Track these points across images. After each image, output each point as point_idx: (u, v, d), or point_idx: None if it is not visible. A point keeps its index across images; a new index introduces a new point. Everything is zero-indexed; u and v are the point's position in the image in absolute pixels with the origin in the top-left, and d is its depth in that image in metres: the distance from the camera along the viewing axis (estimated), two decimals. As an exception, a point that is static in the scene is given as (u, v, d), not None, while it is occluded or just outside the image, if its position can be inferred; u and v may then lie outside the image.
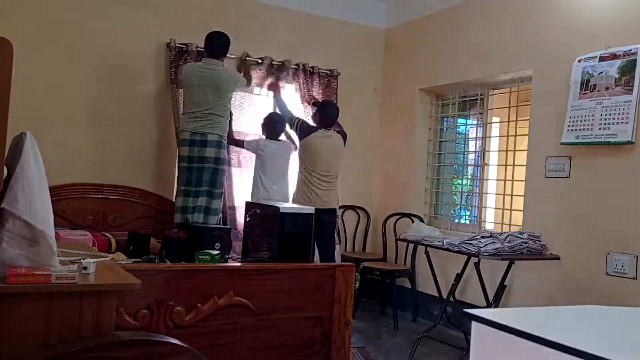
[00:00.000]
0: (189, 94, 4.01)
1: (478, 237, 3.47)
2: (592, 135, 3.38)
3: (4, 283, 1.49)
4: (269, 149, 4.31)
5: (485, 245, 3.34)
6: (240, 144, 4.38)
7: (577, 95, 3.51)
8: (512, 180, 4.24)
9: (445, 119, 5.09)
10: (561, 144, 3.58)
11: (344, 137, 4.48)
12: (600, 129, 3.34)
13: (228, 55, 4.18)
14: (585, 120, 3.43)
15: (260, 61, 4.69)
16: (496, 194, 4.53)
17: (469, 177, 4.90)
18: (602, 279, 3.39)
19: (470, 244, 3.41)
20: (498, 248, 3.31)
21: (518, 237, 3.41)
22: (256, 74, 4.67)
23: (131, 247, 3.37)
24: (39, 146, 1.68)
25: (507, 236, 3.41)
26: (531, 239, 3.43)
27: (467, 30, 4.55)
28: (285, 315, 2.65)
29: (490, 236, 3.43)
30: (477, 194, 4.66)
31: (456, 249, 3.48)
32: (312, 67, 4.91)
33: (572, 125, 3.50)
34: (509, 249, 3.34)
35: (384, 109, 5.43)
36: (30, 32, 3.95)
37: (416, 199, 5.03)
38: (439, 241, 3.69)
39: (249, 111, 4.70)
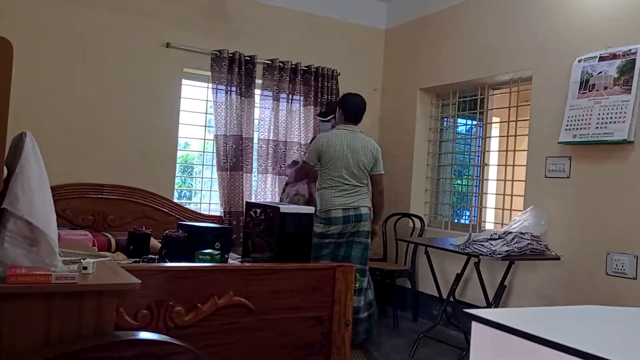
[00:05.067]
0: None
1: (487, 237, 3.47)
2: (589, 134, 3.38)
3: (4, 283, 1.49)
4: None
5: (496, 246, 3.35)
6: None
7: (576, 94, 3.51)
8: (512, 180, 4.24)
9: (445, 119, 5.09)
10: (559, 143, 3.58)
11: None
12: (597, 127, 3.33)
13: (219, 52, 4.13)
14: (582, 120, 3.42)
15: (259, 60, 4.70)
16: (496, 194, 4.53)
17: (469, 177, 4.90)
18: (602, 279, 3.39)
19: (482, 245, 3.41)
20: (509, 250, 3.33)
21: (524, 239, 3.42)
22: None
23: (131, 247, 3.37)
24: (39, 146, 1.68)
25: (513, 237, 3.42)
26: (534, 239, 3.45)
27: (467, 30, 4.55)
28: (285, 315, 2.65)
29: (499, 238, 3.44)
30: (477, 194, 4.66)
31: (467, 251, 3.47)
32: (312, 67, 4.92)
33: (570, 125, 3.50)
34: (518, 250, 3.35)
35: (384, 109, 5.43)
36: (30, 32, 3.95)
37: (416, 199, 5.03)
38: (451, 244, 3.70)
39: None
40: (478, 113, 4.66)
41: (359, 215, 3.72)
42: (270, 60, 4.75)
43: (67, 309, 1.57)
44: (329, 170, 3.75)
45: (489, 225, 4.59)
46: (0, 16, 3.84)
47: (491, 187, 4.62)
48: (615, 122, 3.25)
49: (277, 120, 4.79)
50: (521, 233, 3.50)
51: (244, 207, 4.32)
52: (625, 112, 3.21)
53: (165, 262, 2.92)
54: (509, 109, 4.31)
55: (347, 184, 3.72)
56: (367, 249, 3.80)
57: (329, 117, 4.25)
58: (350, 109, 3.89)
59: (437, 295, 4.21)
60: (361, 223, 3.73)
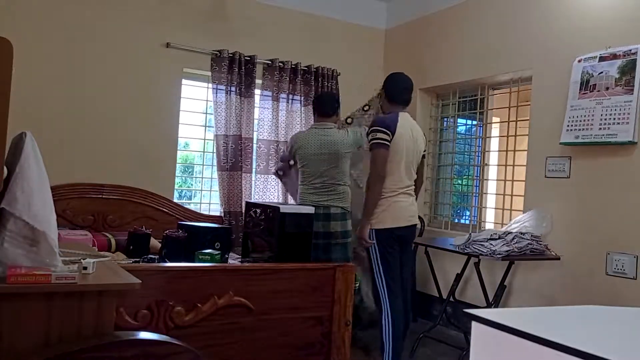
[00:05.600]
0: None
1: (487, 237, 3.47)
2: (591, 135, 3.38)
3: (4, 283, 1.49)
4: None
5: (496, 246, 3.36)
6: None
7: (577, 95, 3.51)
8: (512, 180, 4.24)
9: (445, 119, 5.09)
10: (560, 143, 3.58)
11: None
12: (600, 128, 3.34)
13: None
14: (584, 120, 3.43)
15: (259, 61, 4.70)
16: (496, 194, 4.53)
17: (469, 177, 4.90)
18: (602, 279, 3.39)
19: (482, 245, 3.41)
20: (509, 250, 3.34)
21: (524, 239, 3.42)
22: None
23: (131, 247, 3.37)
24: (39, 146, 1.68)
25: (513, 237, 3.43)
26: (534, 239, 3.45)
27: (467, 30, 4.55)
28: (285, 315, 2.65)
29: (499, 238, 3.44)
30: (477, 194, 4.66)
31: (467, 251, 3.47)
32: (312, 67, 4.91)
33: (572, 125, 3.50)
34: (518, 250, 3.36)
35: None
36: (30, 32, 3.95)
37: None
38: (451, 244, 3.70)
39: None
40: (478, 113, 4.66)
41: (327, 214, 3.73)
42: (270, 60, 4.75)
43: (67, 309, 1.58)
44: (303, 168, 3.85)
45: (489, 225, 4.59)
46: (0, 16, 3.84)
47: (491, 187, 4.62)
48: (618, 123, 3.25)
49: (277, 120, 4.79)
50: (521, 233, 3.50)
51: (244, 207, 4.33)
52: (629, 113, 3.21)
53: (165, 262, 2.92)
54: (509, 109, 4.31)
55: (320, 182, 3.77)
56: (347, 247, 3.79)
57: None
58: (317, 106, 3.95)
59: (437, 295, 4.21)
60: (330, 223, 3.73)
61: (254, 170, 4.72)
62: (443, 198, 5.04)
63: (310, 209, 3.19)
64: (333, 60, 5.07)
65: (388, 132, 3.14)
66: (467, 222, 4.76)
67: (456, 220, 4.95)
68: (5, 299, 1.51)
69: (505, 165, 4.34)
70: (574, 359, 0.73)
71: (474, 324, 0.90)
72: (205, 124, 4.80)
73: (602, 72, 3.40)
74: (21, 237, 1.57)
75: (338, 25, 5.19)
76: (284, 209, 3.03)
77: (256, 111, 4.73)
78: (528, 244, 3.41)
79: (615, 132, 3.26)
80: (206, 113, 4.78)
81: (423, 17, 5.02)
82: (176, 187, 4.68)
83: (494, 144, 4.72)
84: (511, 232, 3.52)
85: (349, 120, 4.45)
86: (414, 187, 3.32)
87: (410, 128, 3.26)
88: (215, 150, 4.58)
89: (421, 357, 3.75)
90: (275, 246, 3.01)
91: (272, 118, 4.76)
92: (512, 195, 4.25)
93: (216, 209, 4.72)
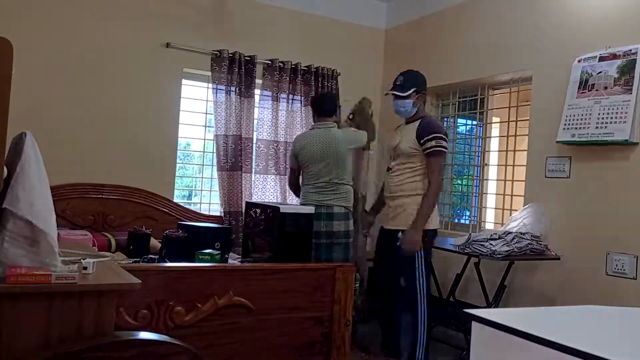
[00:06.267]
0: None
1: (487, 237, 3.47)
2: (588, 133, 3.38)
3: (4, 283, 1.49)
4: None
5: (496, 246, 3.36)
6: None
7: (575, 94, 3.51)
8: (512, 180, 4.24)
9: (445, 119, 5.08)
10: (557, 142, 3.58)
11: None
12: (597, 127, 3.33)
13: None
14: (582, 119, 3.42)
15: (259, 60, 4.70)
16: (496, 194, 4.53)
17: (469, 177, 4.89)
18: (602, 279, 3.39)
19: (482, 245, 3.41)
20: (509, 250, 3.34)
21: (524, 239, 3.42)
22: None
23: (131, 247, 3.37)
24: (39, 146, 1.68)
25: (513, 237, 3.43)
26: (534, 239, 3.45)
27: (467, 30, 4.55)
28: (285, 315, 2.65)
29: (499, 238, 3.44)
30: (477, 194, 4.66)
31: (467, 251, 3.47)
32: (312, 67, 4.91)
33: (569, 124, 3.50)
34: (518, 250, 3.36)
35: (384, 109, 5.42)
36: (30, 32, 3.95)
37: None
38: (451, 244, 3.71)
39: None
40: (478, 113, 4.66)
41: (330, 214, 3.71)
42: (270, 60, 4.75)
43: (67, 309, 1.57)
44: (306, 169, 3.84)
45: (489, 225, 4.59)
46: (0, 16, 3.84)
47: (491, 187, 4.62)
48: (616, 122, 3.25)
49: (277, 120, 4.79)
50: (521, 233, 3.50)
51: (244, 207, 4.33)
52: (626, 113, 3.21)
53: (165, 262, 2.92)
54: (509, 109, 4.31)
55: (322, 182, 3.75)
56: (348, 247, 3.77)
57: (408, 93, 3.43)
58: (317, 106, 3.95)
59: (437, 295, 4.20)
60: (334, 222, 3.72)
61: (253, 170, 4.72)
62: (443, 198, 5.02)
63: (310, 209, 3.19)
64: (333, 60, 5.07)
65: (447, 139, 3.30)
66: (467, 222, 4.76)
67: (456, 220, 4.95)
68: (5, 299, 1.51)
69: (505, 165, 4.34)
70: (574, 359, 0.74)
71: (474, 324, 0.90)
72: (205, 124, 4.80)
73: (601, 72, 3.40)
74: (21, 237, 1.57)
75: (338, 25, 5.19)
76: (284, 209, 3.03)
77: (256, 111, 4.73)
78: (528, 244, 3.41)
79: (612, 131, 3.26)
80: (206, 113, 4.78)
81: (423, 17, 5.02)
82: (180, 187, 4.68)
83: (494, 144, 4.72)
84: (511, 232, 3.52)
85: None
86: None
87: None
88: (215, 150, 4.58)
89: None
90: (275, 246, 3.02)
91: (272, 118, 4.76)
92: (512, 195, 4.25)
93: (216, 209, 4.72)
